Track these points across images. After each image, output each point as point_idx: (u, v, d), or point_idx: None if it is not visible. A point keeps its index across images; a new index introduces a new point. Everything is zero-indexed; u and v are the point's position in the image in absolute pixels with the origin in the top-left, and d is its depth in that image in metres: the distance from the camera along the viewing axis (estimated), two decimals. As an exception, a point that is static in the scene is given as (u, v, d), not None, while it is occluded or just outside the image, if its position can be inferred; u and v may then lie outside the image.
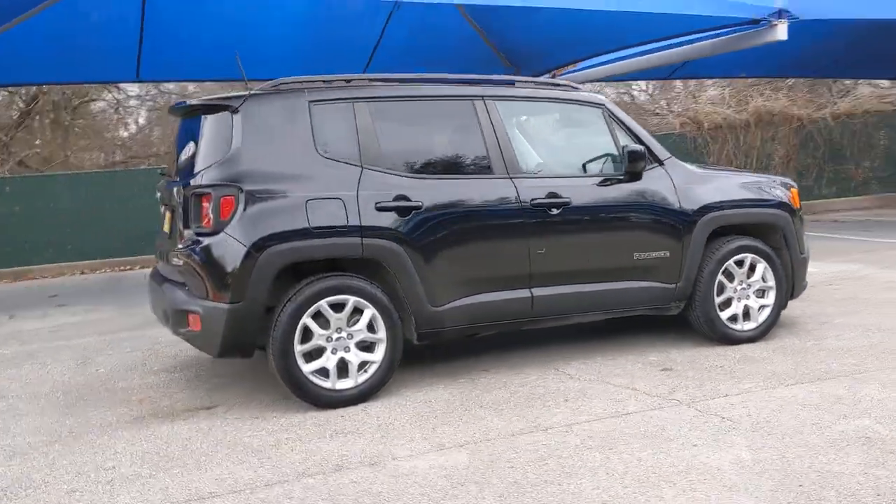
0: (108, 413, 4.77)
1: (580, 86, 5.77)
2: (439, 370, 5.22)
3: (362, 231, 4.59)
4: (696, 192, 5.41)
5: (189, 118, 5.05)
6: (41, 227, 12.15)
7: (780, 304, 5.62)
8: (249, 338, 4.49)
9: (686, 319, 5.57)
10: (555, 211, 5.02)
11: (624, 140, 5.33)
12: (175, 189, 4.81)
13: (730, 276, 5.48)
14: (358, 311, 4.59)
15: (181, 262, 4.63)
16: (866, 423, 3.90)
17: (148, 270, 11.54)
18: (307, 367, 4.50)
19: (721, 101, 16.76)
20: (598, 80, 13.86)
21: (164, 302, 4.80)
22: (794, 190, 5.84)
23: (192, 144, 4.79)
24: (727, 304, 5.50)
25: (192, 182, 4.54)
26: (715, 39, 9.97)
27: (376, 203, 4.64)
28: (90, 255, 12.37)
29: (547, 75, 12.12)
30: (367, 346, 4.64)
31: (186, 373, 5.57)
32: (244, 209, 4.43)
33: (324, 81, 4.89)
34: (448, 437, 4.05)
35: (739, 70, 14.35)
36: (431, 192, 4.78)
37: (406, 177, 4.78)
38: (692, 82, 18.19)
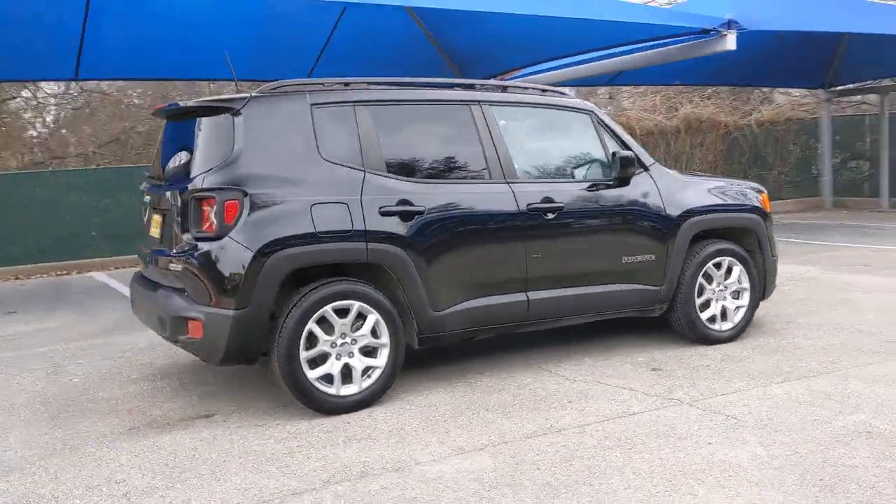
0: (99, 424, 4.60)
1: (569, 92, 5.87)
2: (434, 374, 5.23)
3: (367, 236, 4.56)
4: (679, 197, 5.58)
5: (180, 120, 4.92)
6: (-37, 232, 11.54)
7: (753, 305, 5.86)
8: (255, 344, 4.40)
9: (666, 320, 5.74)
10: (550, 216, 5.10)
11: (612, 146, 5.45)
12: (169, 192, 4.68)
13: (709, 279, 5.68)
14: (361, 317, 4.56)
15: (179, 268, 4.51)
16: (863, 418, 4.11)
17: (90, 274, 11.39)
18: (312, 374, 4.44)
19: (652, 108, 17.28)
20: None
21: (158, 308, 4.65)
22: (765, 194, 6.09)
23: (185, 147, 4.67)
24: (706, 305, 5.69)
25: (192, 185, 4.42)
26: (664, 48, 10.27)
27: (380, 207, 4.62)
28: (20, 261, 11.81)
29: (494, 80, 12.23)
30: (369, 352, 4.61)
31: (169, 381, 5.41)
32: (249, 213, 4.35)
33: (322, 84, 4.83)
34: (464, 440, 4.07)
35: (674, 78, 14.79)
36: (433, 197, 4.78)
37: (407, 181, 4.77)
38: (624, 89, 18.64)
